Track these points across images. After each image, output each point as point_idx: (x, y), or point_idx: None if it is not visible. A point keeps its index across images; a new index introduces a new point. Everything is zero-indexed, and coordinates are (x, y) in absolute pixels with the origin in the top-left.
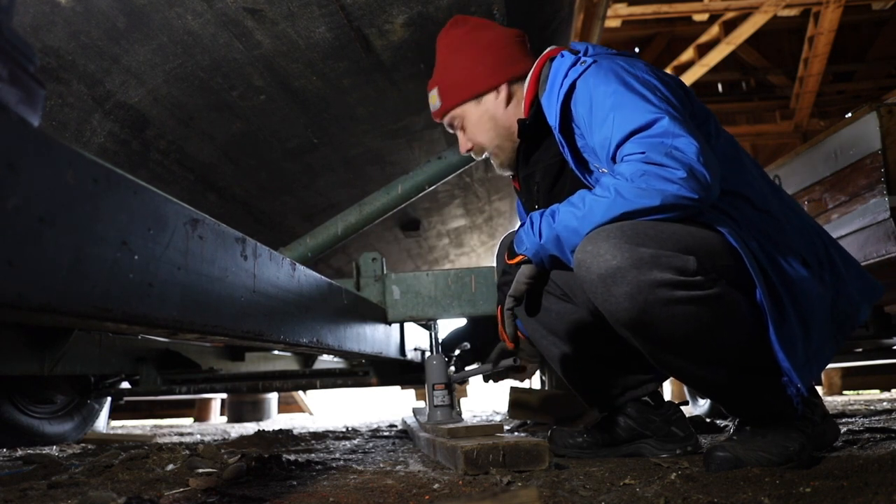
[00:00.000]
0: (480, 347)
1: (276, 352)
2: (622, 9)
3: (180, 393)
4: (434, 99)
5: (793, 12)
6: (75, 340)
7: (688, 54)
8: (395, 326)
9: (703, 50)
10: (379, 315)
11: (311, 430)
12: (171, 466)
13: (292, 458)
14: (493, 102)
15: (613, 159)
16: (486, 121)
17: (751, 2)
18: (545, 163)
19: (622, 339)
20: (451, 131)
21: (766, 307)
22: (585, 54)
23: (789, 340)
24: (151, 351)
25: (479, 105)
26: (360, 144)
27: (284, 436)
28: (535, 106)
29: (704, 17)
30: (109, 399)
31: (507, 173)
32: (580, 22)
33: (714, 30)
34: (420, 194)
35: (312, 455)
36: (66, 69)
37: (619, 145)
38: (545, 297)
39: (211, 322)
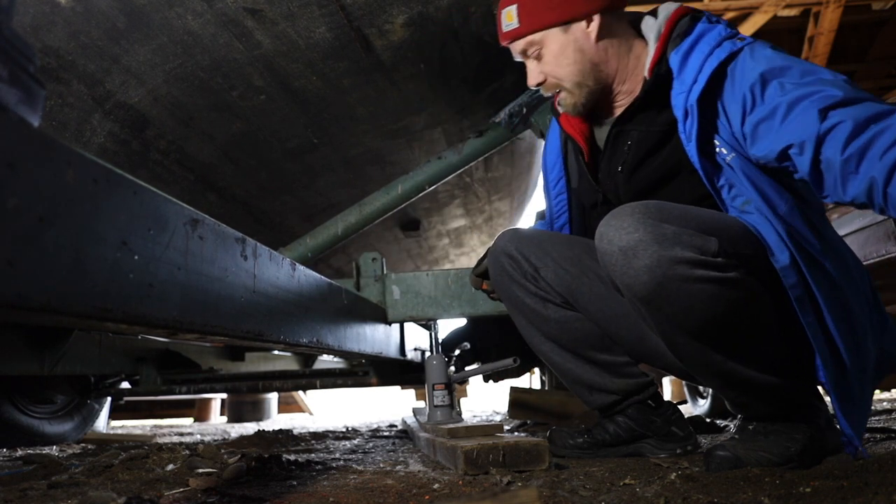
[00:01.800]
0: (480, 347)
1: (276, 352)
2: None
3: (180, 393)
4: (510, 17)
5: (793, 12)
6: (75, 340)
7: None
8: (395, 326)
9: None
10: (379, 315)
11: (311, 430)
12: (171, 466)
13: (292, 458)
14: (582, 32)
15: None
16: (571, 52)
17: (751, 2)
18: (648, 127)
19: (625, 343)
20: (517, 59)
21: (827, 378)
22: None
23: (851, 404)
24: (151, 351)
25: (565, 33)
26: (360, 144)
27: (284, 436)
28: (662, 64)
29: None
30: (109, 399)
31: (571, 113)
32: None
33: None
34: (420, 194)
35: (312, 455)
36: (66, 69)
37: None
38: (544, 305)
39: (211, 322)
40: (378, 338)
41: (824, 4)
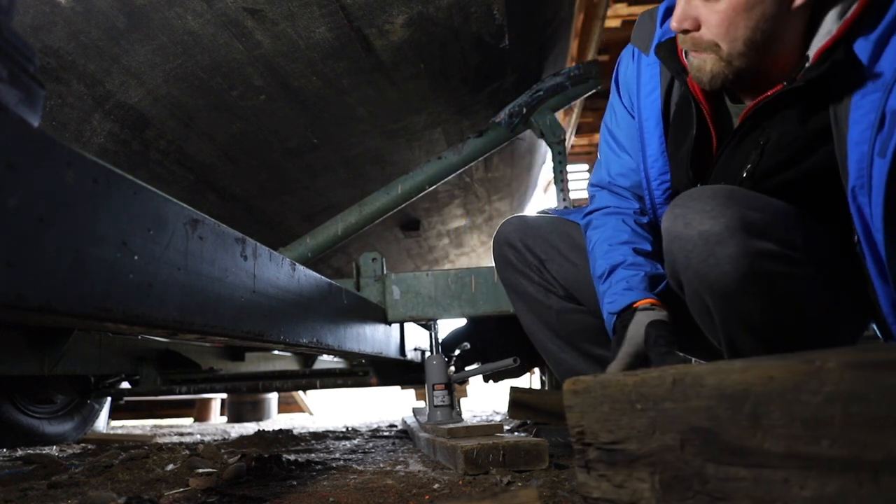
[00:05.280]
0: (480, 347)
1: (276, 352)
2: (622, 9)
3: (180, 393)
4: None
5: None
6: (75, 340)
7: None
8: (395, 326)
9: None
10: (379, 315)
11: (311, 430)
12: (171, 466)
13: (292, 458)
14: None
15: None
16: (756, 13)
17: None
18: (795, 128)
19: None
20: None
21: None
22: None
23: None
24: (151, 351)
25: None
26: (360, 144)
27: (284, 436)
28: (837, 50)
29: None
30: (109, 399)
31: (706, 86)
32: (580, 22)
33: None
34: (420, 194)
35: (312, 455)
36: (66, 69)
37: None
38: (546, 294)
39: (211, 322)
40: (378, 338)
41: None
